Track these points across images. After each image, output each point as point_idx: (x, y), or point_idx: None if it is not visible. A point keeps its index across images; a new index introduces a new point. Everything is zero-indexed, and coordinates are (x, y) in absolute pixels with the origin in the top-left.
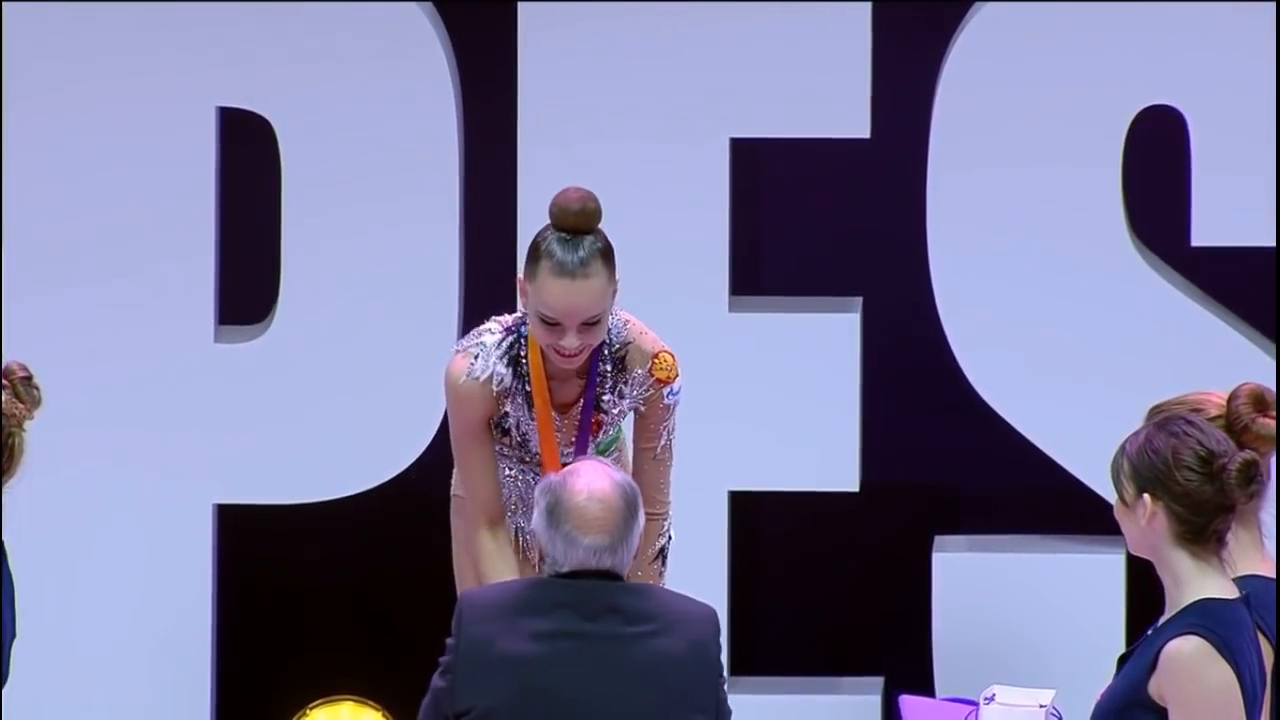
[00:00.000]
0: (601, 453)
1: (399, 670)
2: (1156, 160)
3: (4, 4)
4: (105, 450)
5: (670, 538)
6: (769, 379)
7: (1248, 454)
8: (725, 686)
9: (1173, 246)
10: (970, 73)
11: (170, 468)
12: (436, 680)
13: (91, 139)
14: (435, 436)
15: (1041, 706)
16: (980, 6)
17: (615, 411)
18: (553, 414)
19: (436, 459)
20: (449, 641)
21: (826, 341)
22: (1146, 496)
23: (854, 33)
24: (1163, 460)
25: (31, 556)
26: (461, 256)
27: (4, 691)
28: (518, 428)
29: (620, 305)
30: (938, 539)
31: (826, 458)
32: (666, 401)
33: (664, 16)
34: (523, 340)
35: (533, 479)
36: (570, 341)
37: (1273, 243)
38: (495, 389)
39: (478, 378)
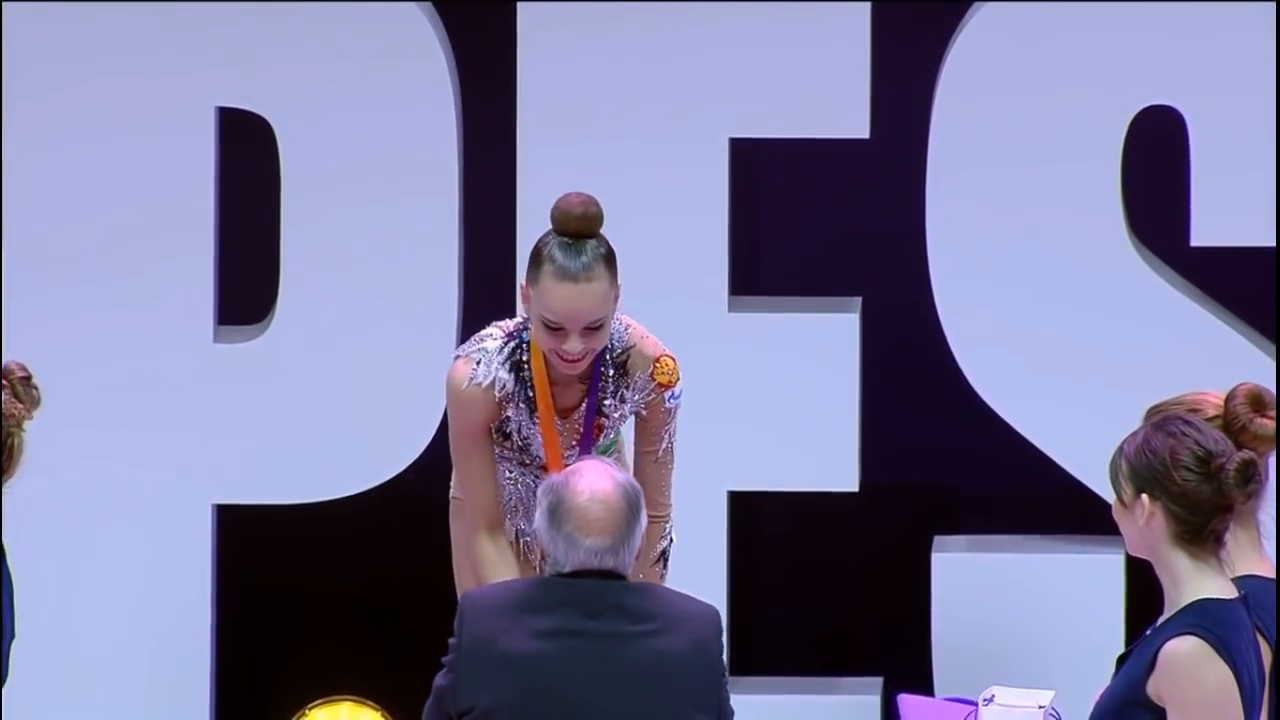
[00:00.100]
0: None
1: (398, 670)
2: (1156, 160)
3: (4, 4)
4: (105, 450)
5: (671, 540)
6: (768, 379)
7: (1246, 454)
8: (728, 686)
9: (1172, 246)
10: (969, 73)
11: (170, 468)
12: (439, 679)
13: (91, 139)
14: (435, 437)
15: (1040, 707)
16: (980, 6)
17: (617, 416)
18: (555, 419)
19: (436, 459)
20: (451, 641)
21: (826, 341)
22: (1145, 497)
23: (853, 33)
24: (1161, 460)
25: (31, 556)
26: (461, 256)
27: (4, 691)
28: (519, 432)
29: (620, 308)
30: (937, 539)
31: (826, 458)
32: (668, 405)
33: (663, 16)
34: (524, 346)
35: (532, 481)
36: (573, 346)
37: (1272, 243)
38: (498, 395)
39: (480, 384)
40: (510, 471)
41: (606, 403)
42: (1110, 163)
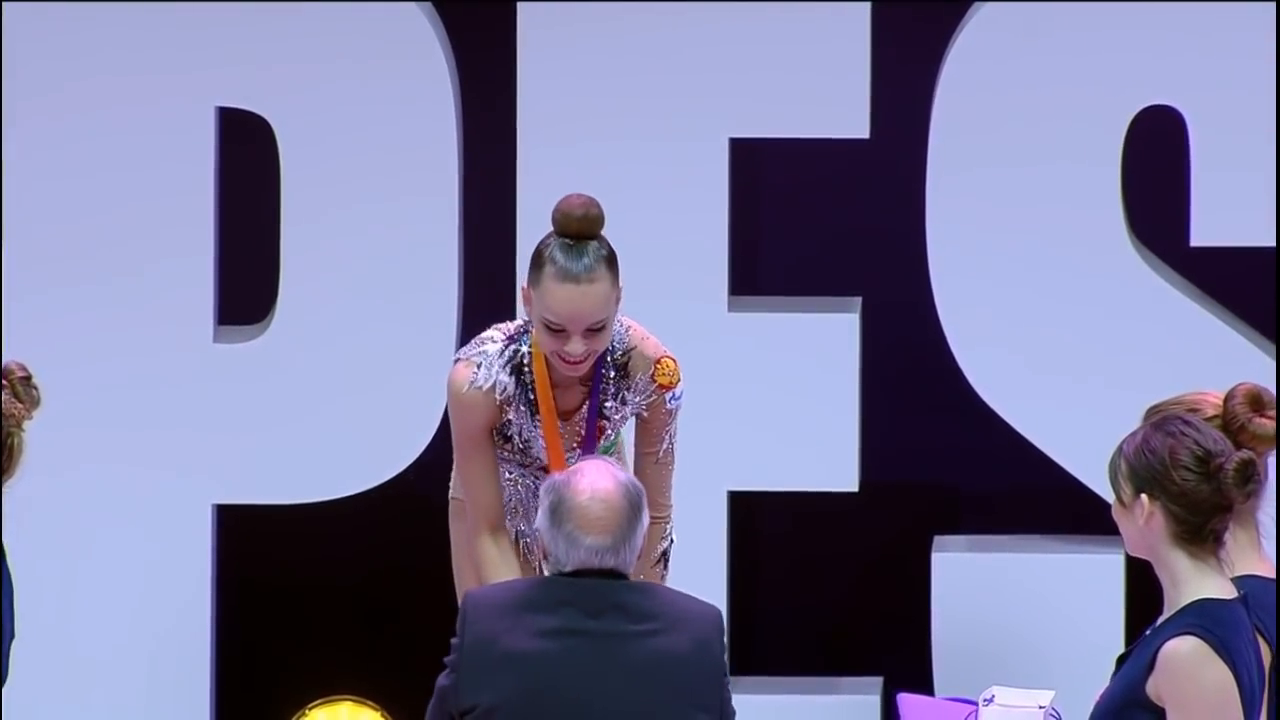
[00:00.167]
0: None
1: (398, 670)
2: (1156, 160)
3: (4, 4)
4: (105, 450)
5: (672, 540)
6: (768, 379)
7: (1245, 454)
8: (730, 686)
9: (1172, 246)
10: (969, 73)
11: (170, 468)
12: (441, 679)
13: (91, 139)
14: (435, 437)
15: (1041, 708)
16: (980, 6)
17: (618, 417)
18: (557, 421)
19: (436, 459)
20: (453, 641)
21: (826, 341)
22: (1144, 497)
23: (853, 33)
24: (1160, 460)
25: (31, 556)
26: (461, 256)
27: (4, 691)
28: (520, 434)
29: (621, 309)
30: (937, 539)
31: (826, 458)
32: (669, 407)
33: (663, 16)
34: (525, 348)
35: (532, 483)
36: (575, 348)
37: (1272, 243)
38: (499, 398)
39: (481, 387)
40: (510, 473)
41: (607, 404)
42: (1110, 163)
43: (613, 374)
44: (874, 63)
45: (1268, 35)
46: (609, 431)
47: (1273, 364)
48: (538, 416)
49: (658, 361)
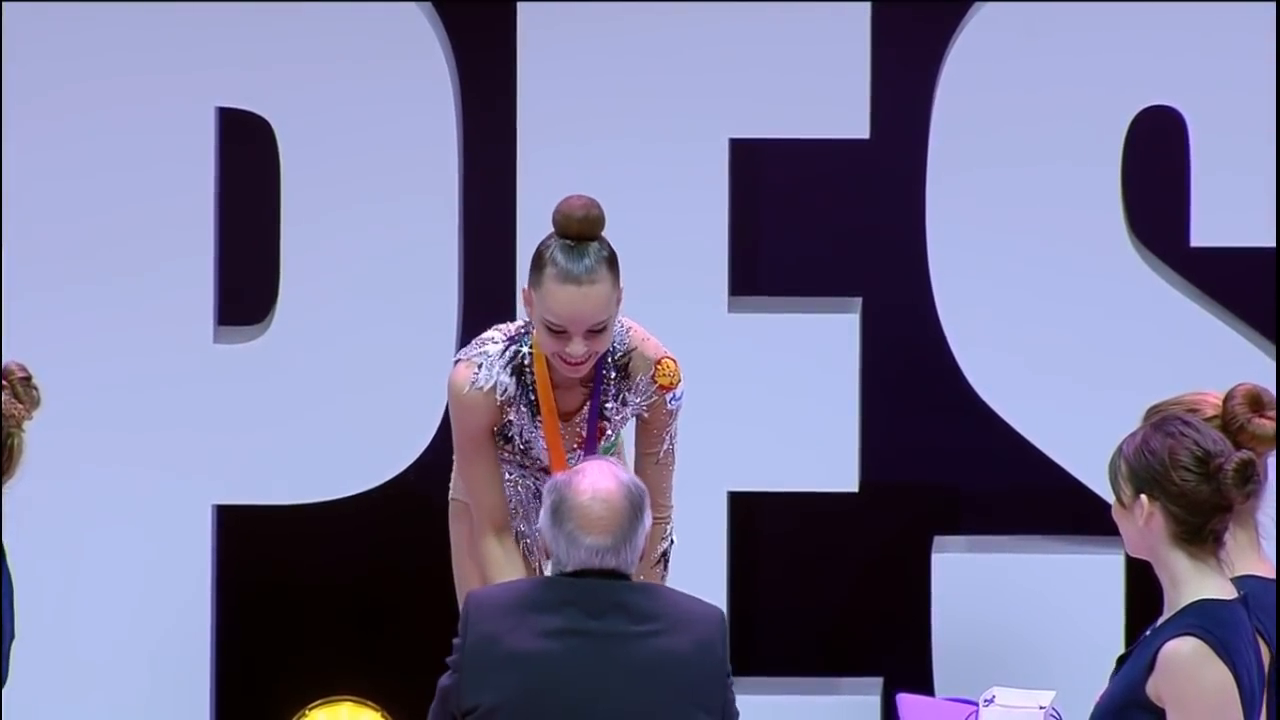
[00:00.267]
0: None
1: (398, 670)
2: (1156, 160)
3: (4, 4)
4: (105, 450)
5: (672, 541)
6: (768, 379)
7: (1244, 454)
8: (733, 687)
9: (1172, 247)
10: (969, 73)
11: (170, 468)
12: (444, 680)
13: (91, 139)
14: (435, 437)
15: (1041, 708)
16: (980, 7)
17: (618, 418)
18: (558, 422)
19: (436, 459)
20: (455, 641)
21: (826, 342)
22: (1144, 497)
23: (853, 33)
24: (1159, 461)
25: (31, 557)
26: (461, 256)
27: (4, 691)
28: (521, 435)
29: (622, 310)
30: (937, 539)
31: (825, 458)
32: (669, 407)
33: (663, 16)
34: (526, 349)
35: (533, 484)
36: (576, 349)
37: (1272, 243)
38: (499, 399)
39: (482, 388)
40: (510, 474)
41: (608, 405)
42: (1110, 163)
43: (613, 375)
44: (874, 63)
45: (1268, 35)
46: (609, 432)
47: (1273, 364)
48: (538, 417)
49: (658, 362)
